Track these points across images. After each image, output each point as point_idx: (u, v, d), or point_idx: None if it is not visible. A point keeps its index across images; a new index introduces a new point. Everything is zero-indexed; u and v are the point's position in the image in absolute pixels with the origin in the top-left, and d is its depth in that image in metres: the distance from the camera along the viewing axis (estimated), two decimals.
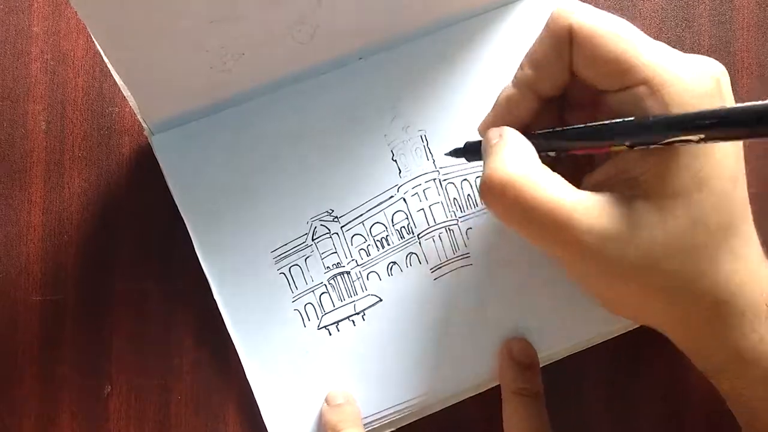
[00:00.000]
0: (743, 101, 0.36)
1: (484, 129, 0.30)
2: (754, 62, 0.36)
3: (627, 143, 0.25)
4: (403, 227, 0.34)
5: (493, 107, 0.30)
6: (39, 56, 0.36)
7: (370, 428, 0.34)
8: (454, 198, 0.34)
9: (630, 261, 0.25)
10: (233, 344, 0.34)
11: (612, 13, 0.36)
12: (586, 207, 0.25)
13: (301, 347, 0.34)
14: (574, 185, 0.27)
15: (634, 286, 0.26)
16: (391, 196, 0.34)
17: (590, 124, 0.27)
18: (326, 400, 0.33)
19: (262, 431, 0.34)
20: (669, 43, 0.36)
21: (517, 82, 0.28)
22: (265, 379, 0.34)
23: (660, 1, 0.36)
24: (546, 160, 0.27)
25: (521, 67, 0.28)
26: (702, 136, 0.23)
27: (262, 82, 0.34)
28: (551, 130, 0.28)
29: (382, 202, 0.34)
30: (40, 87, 0.36)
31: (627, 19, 0.36)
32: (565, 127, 0.27)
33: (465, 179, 0.34)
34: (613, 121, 0.26)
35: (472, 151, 0.31)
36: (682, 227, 0.25)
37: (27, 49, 0.36)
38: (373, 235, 0.34)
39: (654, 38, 0.36)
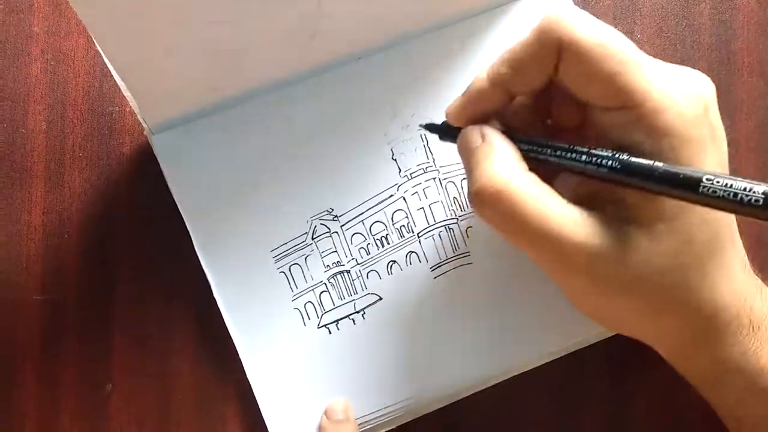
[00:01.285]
0: (743, 102, 0.36)
1: (453, 115, 0.29)
2: (755, 61, 0.36)
3: (606, 181, 0.25)
4: (403, 226, 0.34)
5: (464, 94, 0.29)
6: (39, 56, 0.36)
7: (369, 427, 0.34)
8: (454, 197, 0.34)
9: (619, 280, 0.26)
10: (233, 343, 0.34)
11: (612, 12, 0.36)
12: (579, 224, 0.25)
13: (301, 346, 0.34)
14: (549, 183, 0.27)
15: (623, 303, 0.27)
16: (391, 195, 0.34)
17: (572, 151, 0.26)
18: (326, 413, 0.33)
19: (263, 430, 0.34)
20: (670, 42, 0.36)
21: (492, 77, 0.28)
22: (265, 377, 0.34)
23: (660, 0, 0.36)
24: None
25: (499, 63, 0.27)
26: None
27: (261, 82, 0.34)
28: (542, 143, 0.27)
29: (382, 201, 0.34)
30: (40, 87, 0.36)
31: (628, 19, 0.36)
32: (556, 144, 0.27)
33: (465, 178, 0.34)
34: (609, 156, 0.25)
35: (448, 134, 0.30)
36: (670, 249, 0.25)
37: (27, 49, 0.36)
38: (373, 233, 0.34)
39: (654, 37, 0.36)
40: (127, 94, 0.32)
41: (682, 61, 0.36)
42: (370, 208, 0.34)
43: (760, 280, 0.29)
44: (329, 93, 0.34)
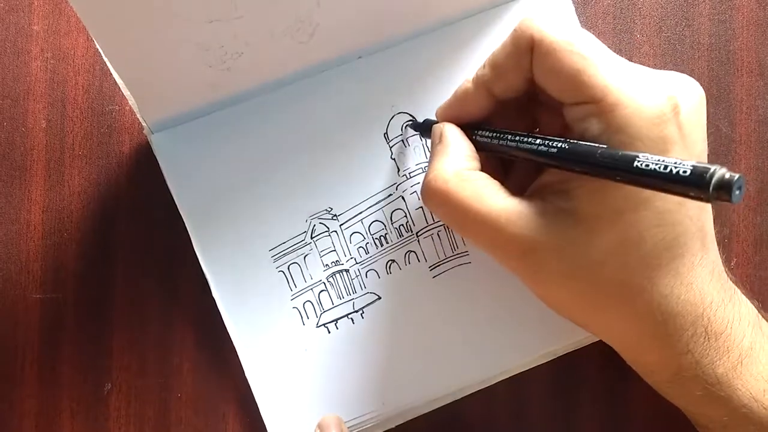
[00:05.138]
0: (742, 102, 0.36)
1: (439, 115, 0.31)
2: (754, 61, 0.36)
3: (556, 165, 0.26)
4: (402, 225, 0.34)
5: (451, 97, 0.31)
6: (39, 55, 0.36)
7: (368, 426, 0.34)
8: None
9: (554, 270, 0.26)
10: (232, 342, 0.34)
11: (612, 12, 0.36)
12: (516, 217, 0.26)
13: (299, 345, 0.34)
14: (504, 176, 0.29)
15: (563, 294, 0.27)
16: (390, 194, 0.34)
17: (528, 136, 0.27)
18: (319, 427, 0.33)
19: (262, 429, 0.34)
20: (669, 42, 0.36)
21: (476, 79, 0.29)
22: (263, 377, 0.34)
23: None
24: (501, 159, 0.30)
25: (482, 66, 0.29)
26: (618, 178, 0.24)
27: (261, 81, 0.34)
28: (505, 131, 0.29)
29: (381, 200, 0.34)
30: (40, 85, 0.36)
31: (627, 19, 0.36)
32: (517, 132, 0.28)
33: None
34: (548, 141, 0.26)
35: (428, 129, 0.32)
36: (610, 245, 0.25)
37: (27, 48, 0.36)
38: (372, 233, 0.34)
39: (654, 37, 0.36)
40: (126, 92, 0.32)
41: (681, 61, 0.36)
42: (369, 207, 0.34)
43: (733, 287, 0.28)
44: (329, 92, 0.34)
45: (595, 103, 0.25)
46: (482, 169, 0.29)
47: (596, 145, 0.25)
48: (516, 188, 0.28)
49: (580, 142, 0.25)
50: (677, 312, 0.26)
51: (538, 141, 0.27)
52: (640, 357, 0.29)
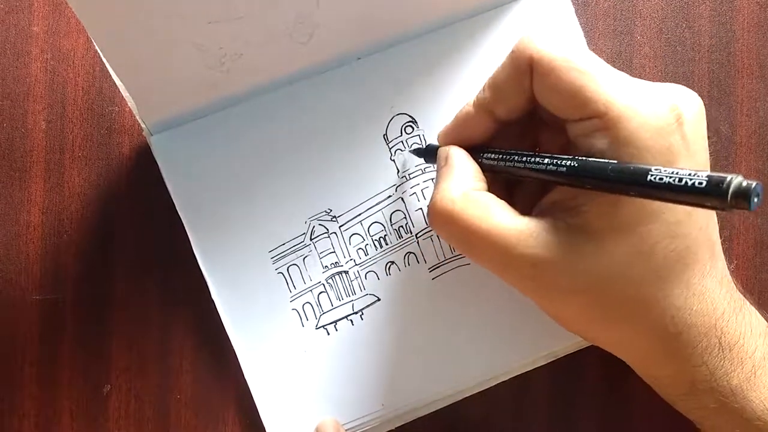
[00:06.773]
0: (742, 104, 0.36)
1: (441, 139, 0.31)
2: (754, 63, 0.36)
3: (566, 183, 0.26)
4: (402, 227, 0.34)
5: (453, 120, 0.30)
6: (39, 56, 0.36)
7: (368, 428, 0.34)
8: None
9: (564, 287, 0.26)
10: (231, 344, 0.34)
11: (612, 14, 0.36)
12: (525, 235, 0.26)
13: (299, 347, 0.34)
14: (511, 194, 0.29)
15: (572, 309, 0.27)
16: (390, 196, 0.34)
17: (536, 156, 0.27)
18: (317, 430, 0.33)
19: (261, 430, 0.34)
20: (670, 44, 0.36)
21: (476, 102, 0.29)
22: (263, 378, 0.34)
23: (660, 1, 0.36)
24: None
25: (482, 88, 0.29)
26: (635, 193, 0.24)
27: (260, 82, 0.34)
28: (511, 151, 0.28)
29: (380, 202, 0.34)
30: (40, 86, 0.36)
31: (627, 20, 0.36)
32: (523, 152, 0.28)
33: None
34: (557, 159, 0.26)
35: (432, 154, 0.32)
36: (620, 259, 0.25)
37: (27, 49, 0.36)
38: (372, 234, 0.34)
39: (654, 39, 0.36)
40: (125, 93, 0.32)
41: (682, 63, 0.36)
42: (368, 209, 0.34)
43: (741, 298, 0.29)
44: (328, 93, 0.34)
45: (599, 118, 0.25)
46: (488, 191, 0.28)
47: (606, 161, 0.25)
48: (523, 208, 0.28)
49: (589, 159, 0.25)
50: (691, 323, 0.26)
51: (546, 160, 0.26)
52: (653, 371, 0.29)
